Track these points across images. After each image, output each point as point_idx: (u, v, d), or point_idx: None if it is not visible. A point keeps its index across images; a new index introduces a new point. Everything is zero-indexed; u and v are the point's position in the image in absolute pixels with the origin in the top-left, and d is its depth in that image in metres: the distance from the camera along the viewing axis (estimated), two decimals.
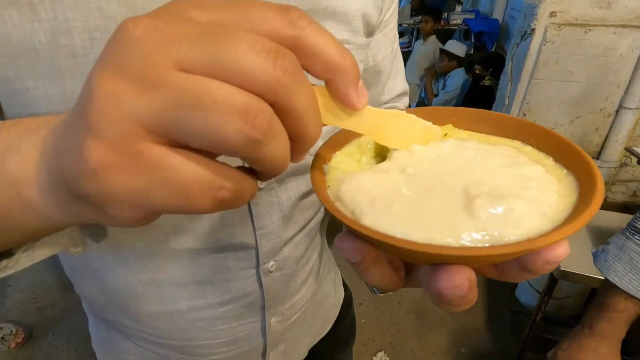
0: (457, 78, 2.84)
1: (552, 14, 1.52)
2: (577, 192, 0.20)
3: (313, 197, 0.43)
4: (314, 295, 0.54)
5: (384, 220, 0.18)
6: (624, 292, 0.60)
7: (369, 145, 0.25)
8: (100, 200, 0.16)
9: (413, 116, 0.23)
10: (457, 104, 2.78)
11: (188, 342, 0.44)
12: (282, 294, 0.46)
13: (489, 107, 2.02)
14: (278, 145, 0.15)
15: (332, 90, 0.18)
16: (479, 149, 0.23)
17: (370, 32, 0.40)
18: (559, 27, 1.53)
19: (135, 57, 0.14)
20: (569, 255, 0.17)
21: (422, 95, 3.08)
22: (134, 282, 0.39)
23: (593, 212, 0.17)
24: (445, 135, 0.25)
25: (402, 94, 0.53)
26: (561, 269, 1.19)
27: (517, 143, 0.24)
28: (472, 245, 0.17)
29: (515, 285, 1.80)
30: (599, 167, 1.78)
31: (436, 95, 2.97)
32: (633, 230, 0.63)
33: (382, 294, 0.25)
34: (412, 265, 0.23)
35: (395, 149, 0.23)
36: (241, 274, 0.41)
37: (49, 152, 0.18)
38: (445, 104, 2.85)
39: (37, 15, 0.24)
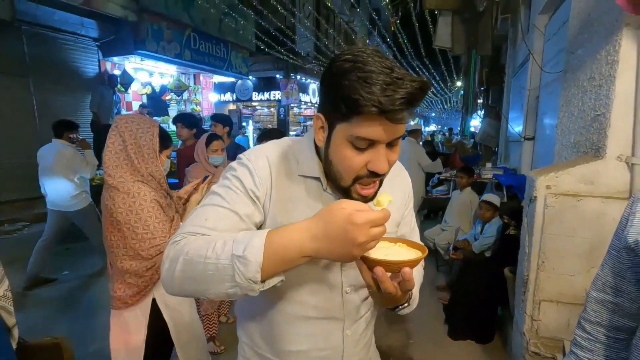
0: (494, 226, 3.23)
1: (548, 187, 1.98)
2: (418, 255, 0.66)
3: None
4: (366, 354, 0.91)
5: (376, 256, 0.63)
6: None
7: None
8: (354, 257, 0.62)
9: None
10: (493, 248, 3.09)
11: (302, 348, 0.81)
12: (351, 312, 0.83)
13: (516, 253, 2.35)
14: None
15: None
16: (407, 250, 0.69)
17: (398, 225, 0.91)
18: (555, 196, 1.96)
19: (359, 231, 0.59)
20: None
21: (459, 239, 3.45)
22: (284, 320, 0.80)
23: (419, 259, 0.64)
24: (400, 244, 0.72)
25: None
26: None
27: (416, 251, 0.69)
28: (389, 259, 0.63)
29: None
30: None
31: (476, 239, 3.32)
32: (571, 348, 0.93)
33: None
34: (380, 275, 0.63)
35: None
36: (333, 291, 0.81)
37: (318, 247, 0.61)
38: (482, 249, 3.18)
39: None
